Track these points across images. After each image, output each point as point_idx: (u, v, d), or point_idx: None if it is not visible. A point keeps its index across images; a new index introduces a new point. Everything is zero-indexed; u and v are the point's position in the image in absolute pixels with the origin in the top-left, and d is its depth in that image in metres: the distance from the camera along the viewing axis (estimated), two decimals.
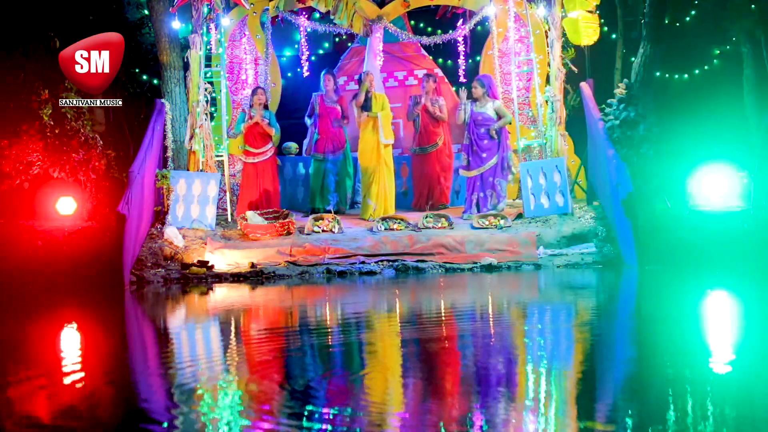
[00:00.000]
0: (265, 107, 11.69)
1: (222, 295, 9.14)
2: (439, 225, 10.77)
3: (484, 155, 11.22)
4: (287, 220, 10.84)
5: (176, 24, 11.68)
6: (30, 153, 11.18)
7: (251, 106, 11.53)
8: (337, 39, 14.69)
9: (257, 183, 11.57)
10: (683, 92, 13.77)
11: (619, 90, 11.22)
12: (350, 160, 11.96)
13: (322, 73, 11.96)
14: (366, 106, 11.43)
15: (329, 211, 11.30)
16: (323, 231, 10.74)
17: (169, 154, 11.41)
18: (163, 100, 11.52)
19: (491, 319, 7.39)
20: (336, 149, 11.81)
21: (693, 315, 7.32)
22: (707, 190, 10.97)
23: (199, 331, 7.41)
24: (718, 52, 13.83)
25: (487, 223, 10.75)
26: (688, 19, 13.88)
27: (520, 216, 11.13)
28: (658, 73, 12.74)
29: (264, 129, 11.48)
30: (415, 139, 11.98)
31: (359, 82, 11.61)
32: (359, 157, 11.66)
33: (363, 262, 10.12)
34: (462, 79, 13.06)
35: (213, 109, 11.76)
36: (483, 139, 11.24)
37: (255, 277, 9.89)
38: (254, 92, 11.61)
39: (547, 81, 11.68)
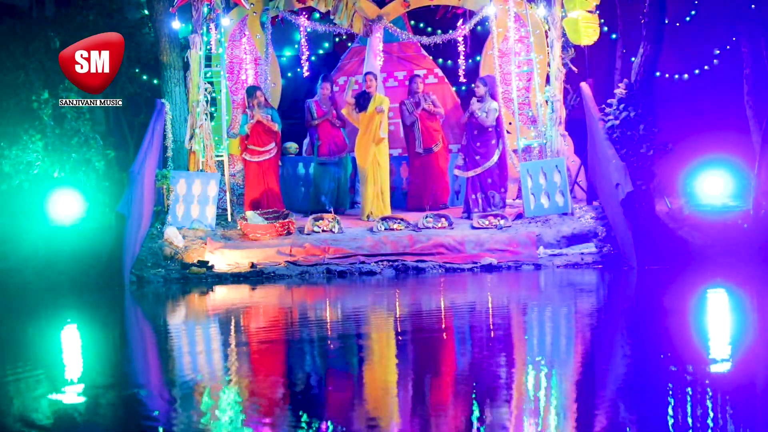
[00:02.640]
0: (267, 105, 11.67)
1: (222, 295, 9.13)
2: (439, 225, 10.77)
3: (477, 158, 11.27)
4: (287, 220, 10.84)
5: (176, 24, 11.67)
6: (30, 153, 11.19)
7: (251, 107, 11.47)
8: (337, 39, 14.67)
9: (261, 181, 11.52)
10: (683, 92, 13.77)
11: (619, 90, 11.22)
12: (350, 160, 11.98)
13: (320, 79, 11.91)
14: (363, 106, 11.43)
15: (329, 211, 11.29)
16: (323, 231, 10.74)
17: (169, 154, 11.40)
18: (163, 100, 11.51)
19: (491, 319, 7.38)
20: (340, 151, 11.81)
21: (692, 315, 7.32)
22: (707, 190, 11.01)
23: (199, 331, 7.41)
24: (718, 52, 13.82)
25: (487, 223, 10.76)
26: (688, 19, 13.88)
27: (520, 216, 11.13)
28: (658, 73, 12.74)
29: (267, 126, 11.46)
30: (417, 142, 11.90)
31: (361, 84, 11.66)
32: (356, 157, 11.67)
33: (363, 262, 10.12)
34: (462, 79, 13.06)
35: (213, 109, 11.75)
36: (476, 141, 11.29)
37: (255, 277, 9.89)
38: (250, 94, 11.54)
39: (547, 81, 11.67)
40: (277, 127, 11.50)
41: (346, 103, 11.61)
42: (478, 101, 11.32)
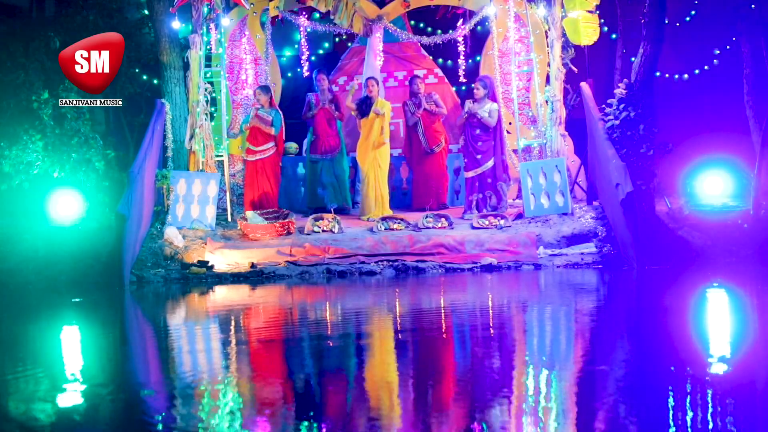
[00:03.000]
0: (272, 106, 11.68)
1: (222, 295, 9.13)
2: (439, 225, 10.78)
3: (479, 156, 11.32)
4: (287, 220, 10.85)
5: (176, 24, 11.68)
6: (30, 153, 11.19)
7: (261, 106, 11.52)
8: (337, 39, 14.68)
9: (258, 181, 11.55)
10: (683, 92, 13.77)
11: (619, 90, 11.22)
12: (347, 159, 12.00)
13: (315, 72, 11.98)
14: (364, 111, 11.44)
15: (329, 211, 11.30)
16: (323, 231, 10.75)
17: (169, 154, 11.41)
18: (163, 100, 11.52)
19: (490, 319, 7.38)
20: (332, 149, 11.84)
21: (692, 315, 7.32)
22: (707, 189, 11.01)
23: (198, 330, 7.41)
24: (718, 52, 13.83)
25: (487, 223, 10.76)
26: (688, 19, 13.88)
27: (520, 216, 11.14)
28: (658, 73, 12.74)
29: (263, 130, 11.47)
30: (423, 142, 11.88)
31: (362, 86, 11.68)
32: (357, 159, 11.69)
33: (363, 262, 10.12)
34: (462, 79, 13.06)
35: (213, 109, 11.76)
36: (477, 141, 11.33)
37: (255, 277, 9.89)
38: (254, 92, 11.68)
39: (547, 81, 11.68)
40: (273, 131, 11.50)
41: (348, 108, 11.65)
42: (474, 102, 11.33)
